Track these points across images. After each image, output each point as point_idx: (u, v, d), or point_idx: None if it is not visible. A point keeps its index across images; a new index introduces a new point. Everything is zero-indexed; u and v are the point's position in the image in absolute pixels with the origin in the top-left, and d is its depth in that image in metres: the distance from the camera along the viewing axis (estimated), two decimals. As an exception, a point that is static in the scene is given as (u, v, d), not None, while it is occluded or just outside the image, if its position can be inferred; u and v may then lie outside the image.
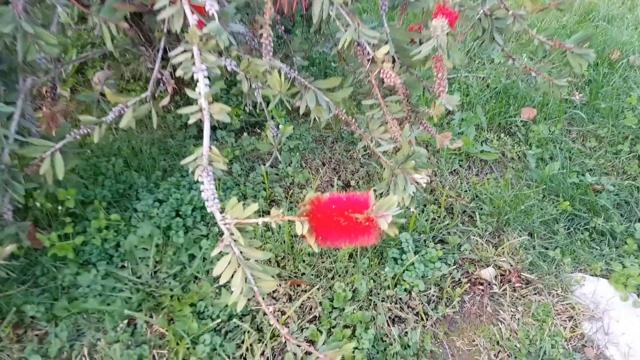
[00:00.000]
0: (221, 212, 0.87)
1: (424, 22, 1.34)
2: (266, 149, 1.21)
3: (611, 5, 2.62)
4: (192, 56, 0.89)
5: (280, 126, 1.66)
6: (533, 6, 1.02)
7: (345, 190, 1.51)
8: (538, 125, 1.70)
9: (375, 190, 1.35)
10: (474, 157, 1.64)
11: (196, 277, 1.22)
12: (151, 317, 1.15)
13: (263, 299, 0.92)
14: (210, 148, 0.91)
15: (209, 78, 0.90)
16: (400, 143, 1.16)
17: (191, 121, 0.90)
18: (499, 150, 1.67)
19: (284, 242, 1.30)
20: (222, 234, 0.84)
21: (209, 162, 0.91)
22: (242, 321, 1.13)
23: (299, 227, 0.80)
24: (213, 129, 1.67)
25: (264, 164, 1.55)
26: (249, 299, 0.97)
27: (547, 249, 1.37)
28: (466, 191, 1.51)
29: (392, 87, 1.22)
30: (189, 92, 0.90)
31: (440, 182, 1.53)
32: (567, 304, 1.24)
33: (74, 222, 1.28)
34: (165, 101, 1.13)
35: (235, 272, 0.86)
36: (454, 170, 1.59)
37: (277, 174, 1.53)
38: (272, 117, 1.72)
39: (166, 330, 1.10)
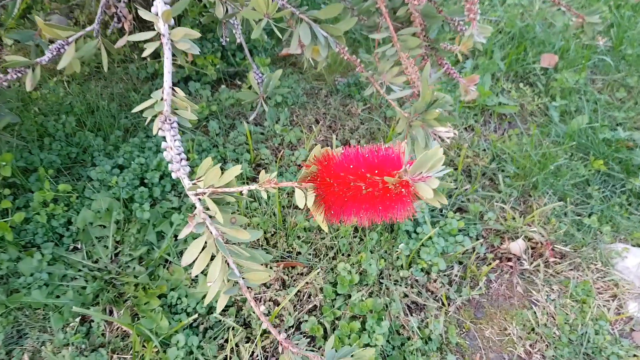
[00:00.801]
0: (191, 179, 0.64)
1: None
2: (249, 99, 0.96)
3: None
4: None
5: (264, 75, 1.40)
6: None
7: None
8: (561, 74, 1.48)
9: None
10: (491, 111, 1.41)
11: (166, 261, 0.99)
12: (111, 312, 0.92)
13: (250, 290, 0.69)
14: (173, 90, 0.67)
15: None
16: (418, 88, 0.92)
17: (147, 52, 0.65)
18: (518, 102, 1.45)
19: (274, 214, 1.07)
20: (195, 207, 0.62)
21: (172, 109, 0.67)
22: (225, 315, 0.91)
23: (301, 197, 0.57)
24: (185, 80, 1.41)
25: (247, 121, 1.30)
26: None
27: (581, 215, 1.17)
28: (484, 150, 1.29)
29: (405, 17, 0.97)
30: (142, 13, 0.64)
31: (455, 140, 1.31)
32: (609, 281, 1.05)
33: (14, 195, 1.03)
34: (121, 42, 0.87)
35: (212, 260, 0.63)
36: (469, 127, 1.36)
37: (262, 133, 1.28)
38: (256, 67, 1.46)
39: (130, 329, 0.88)
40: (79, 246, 1.01)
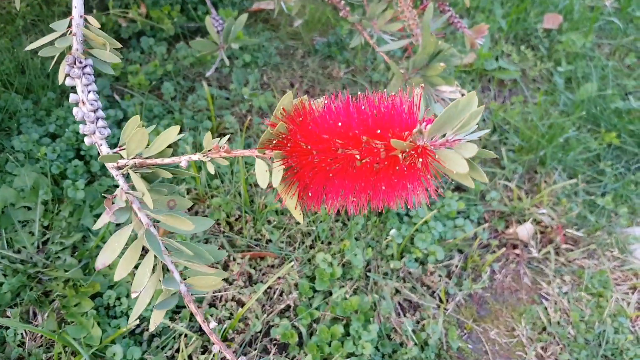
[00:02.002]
0: (114, 148, 0.46)
1: None
2: (207, 50, 0.77)
3: None
4: None
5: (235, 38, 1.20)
6: None
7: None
8: (566, 35, 1.32)
9: None
10: (490, 77, 1.25)
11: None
12: (34, 315, 0.74)
13: (194, 299, 0.52)
14: (84, 18, 0.48)
15: None
16: (417, 37, 0.74)
17: None
18: (519, 67, 1.29)
19: (240, 194, 0.89)
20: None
21: (83, 47, 0.48)
22: (175, 320, 0.73)
23: (262, 171, 0.40)
24: (138, 35, 1.19)
25: (206, 79, 1.10)
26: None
27: (594, 194, 1.02)
28: (484, 120, 1.13)
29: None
30: None
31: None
32: (627, 270, 0.91)
33: None
34: None
35: (140, 262, 0.46)
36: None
37: (228, 98, 1.09)
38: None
39: (54, 339, 0.69)
40: (0, 233, 0.81)
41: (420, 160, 0.33)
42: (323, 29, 1.31)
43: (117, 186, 0.88)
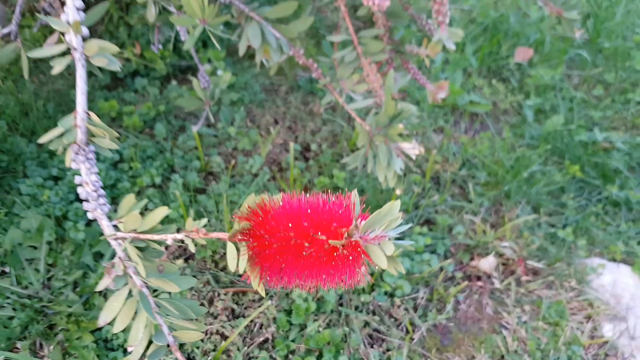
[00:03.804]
0: (113, 218, 0.54)
1: None
2: (192, 107, 0.85)
3: None
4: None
5: (218, 72, 1.28)
6: None
7: (305, 157, 1.17)
8: (536, 69, 1.40)
9: (346, 165, 1.00)
10: (462, 110, 1.33)
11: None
12: (41, 347, 0.81)
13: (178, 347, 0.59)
14: (88, 115, 0.55)
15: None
16: (381, 97, 0.82)
17: (56, 70, 0.53)
18: (491, 100, 1.37)
19: (223, 231, 0.96)
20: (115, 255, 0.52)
21: (87, 138, 0.56)
22: (170, 350, 0.81)
23: (232, 256, 0.47)
24: (133, 75, 1.27)
25: (198, 121, 1.17)
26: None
27: (555, 226, 1.10)
28: (454, 154, 1.21)
29: (367, 17, 0.86)
30: (50, 20, 0.53)
31: (424, 143, 1.22)
32: (583, 300, 0.99)
33: None
34: (52, 39, 0.75)
35: (134, 318, 0.53)
36: (439, 128, 1.27)
37: (215, 136, 1.17)
38: (209, 60, 1.33)
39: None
40: (7, 270, 0.89)
41: (351, 252, 0.41)
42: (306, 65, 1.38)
43: (114, 226, 0.96)
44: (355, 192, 0.44)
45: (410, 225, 0.43)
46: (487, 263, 1.00)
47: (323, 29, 0.90)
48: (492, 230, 1.06)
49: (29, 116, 1.09)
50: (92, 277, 0.88)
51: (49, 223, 0.90)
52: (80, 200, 0.97)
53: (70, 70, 1.23)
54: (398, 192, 0.81)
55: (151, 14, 0.67)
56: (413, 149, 0.78)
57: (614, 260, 1.06)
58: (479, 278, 1.00)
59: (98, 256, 0.91)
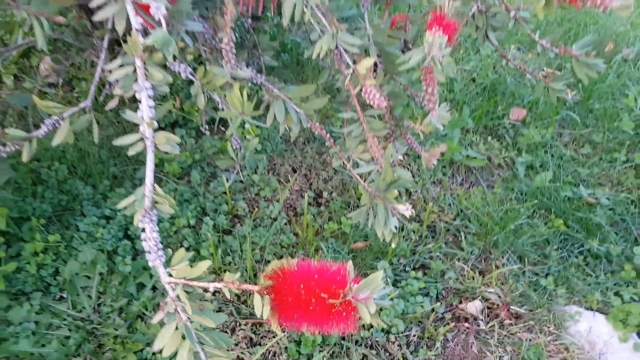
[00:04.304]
0: (166, 265, 0.69)
1: (411, 18, 1.15)
2: (227, 165, 1.02)
3: (603, -12, 2.45)
4: (134, 70, 0.70)
5: (246, 131, 1.45)
6: (548, 11, 0.83)
7: (317, 202, 1.33)
8: (528, 129, 1.55)
9: (351, 223, 1.16)
10: (459, 164, 1.48)
11: (144, 314, 1.04)
12: (88, 364, 0.97)
13: None
14: (154, 187, 0.71)
15: (154, 99, 0.71)
16: (381, 165, 0.98)
17: (131, 153, 0.70)
18: (486, 155, 1.52)
19: (246, 270, 1.12)
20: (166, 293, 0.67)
21: (152, 204, 0.72)
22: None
23: (259, 305, 0.63)
24: (173, 125, 1.45)
25: (229, 174, 1.35)
26: None
27: (538, 275, 1.24)
28: (450, 205, 1.35)
29: (374, 95, 1.03)
30: (129, 115, 0.70)
31: (422, 194, 1.37)
32: (560, 344, 1.11)
33: (7, 244, 1.07)
34: (112, 104, 0.92)
35: (179, 347, 0.69)
36: (437, 180, 1.42)
37: (241, 181, 1.33)
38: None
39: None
40: (65, 296, 1.05)
41: (344, 313, 0.56)
42: (321, 119, 1.56)
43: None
44: (350, 262, 0.59)
45: (389, 289, 0.58)
46: (474, 306, 1.14)
47: (335, 103, 1.06)
48: (480, 277, 1.19)
49: (85, 161, 1.27)
50: (135, 305, 1.03)
51: (101, 257, 1.07)
52: (128, 237, 1.14)
53: (118, 117, 1.41)
54: (393, 245, 0.96)
55: (201, 102, 0.85)
56: (407, 210, 0.93)
57: (590, 309, 1.18)
58: (466, 320, 1.14)
59: (140, 286, 1.07)
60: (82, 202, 1.18)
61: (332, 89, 1.57)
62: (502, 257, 1.25)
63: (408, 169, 1.46)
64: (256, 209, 1.26)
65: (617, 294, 1.20)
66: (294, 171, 1.40)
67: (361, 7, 1.00)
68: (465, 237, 1.27)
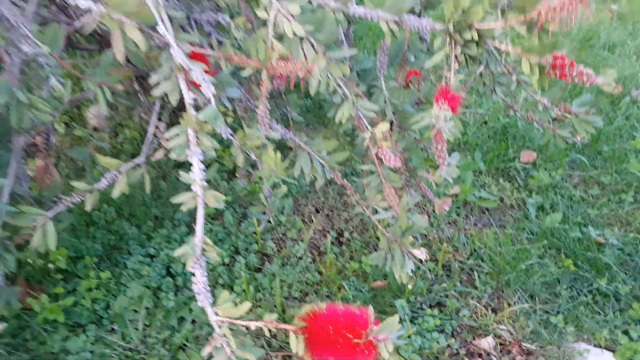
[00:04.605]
0: (213, 304, 0.80)
1: (423, 75, 1.27)
2: (259, 211, 1.14)
3: (612, 30, 2.56)
4: (187, 138, 0.83)
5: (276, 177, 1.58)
6: (541, 82, 0.94)
7: (339, 242, 1.44)
8: (538, 171, 1.64)
9: (371, 263, 1.26)
10: (472, 205, 1.57)
11: (186, 345, 1.14)
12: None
13: None
14: (203, 238, 0.83)
15: (204, 162, 0.83)
16: (397, 212, 1.08)
17: (184, 208, 0.82)
18: (498, 196, 1.61)
19: (276, 306, 1.22)
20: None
21: (201, 253, 0.83)
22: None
23: (294, 342, 0.73)
24: (207, 167, 1.58)
25: (262, 215, 1.46)
26: None
27: (549, 313, 1.31)
28: (464, 245, 1.44)
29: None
30: (183, 176, 0.83)
31: (437, 234, 1.46)
32: (569, 379, 1.18)
33: (65, 280, 1.20)
34: (159, 155, 1.06)
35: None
36: (452, 221, 1.52)
37: (269, 221, 1.44)
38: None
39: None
40: (115, 328, 1.17)
41: (367, 347, 0.66)
42: (342, 162, 1.67)
43: (193, 297, 1.23)
44: (371, 307, 0.70)
45: (402, 331, 0.68)
46: (487, 343, 1.21)
47: (356, 155, 1.18)
48: (493, 314, 1.27)
49: (130, 203, 1.40)
50: (177, 337, 1.14)
51: (147, 293, 1.19)
52: (170, 275, 1.26)
53: (157, 162, 1.55)
54: (410, 286, 1.05)
55: (240, 160, 0.97)
56: (421, 254, 1.03)
57: (599, 346, 1.24)
58: (480, 355, 1.21)
59: (181, 320, 1.18)
60: (128, 242, 1.31)
61: (354, 134, 1.69)
62: (514, 296, 1.32)
63: (424, 209, 1.56)
64: (283, 249, 1.37)
65: (625, 332, 1.26)
66: (317, 212, 1.51)
67: (378, 70, 1.13)
68: (478, 276, 1.36)
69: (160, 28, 0.78)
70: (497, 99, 1.88)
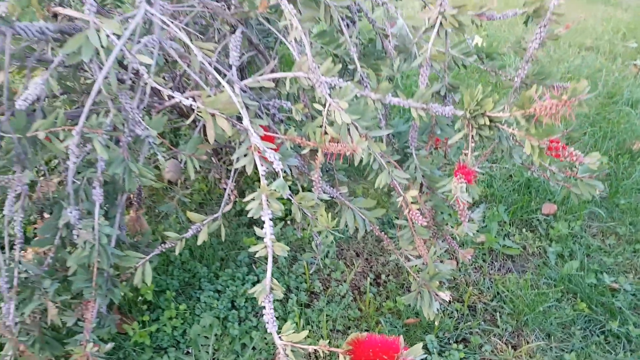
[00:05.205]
0: (278, 332, 1.04)
1: (447, 145, 1.50)
2: (309, 256, 1.38)
3: (635, 87, 2.72)
4: (261, 202, 1.09)
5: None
6: (541, 158, 1.16)
7: (377, 283, 1.66)
8: (558, 222, 1.82)
9: (404, 302, 1.48)
10: (497, 252, 1.76)
11: (245, 369, 1.39)
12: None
13: None
14: (272, 281, 1.08)
15: (272, 220, 1.09)
16: (426, 261, 1.31)
17: (259, 254, 1.08)
18: (521, 244, 1.79)
19: (322, 337, 1.45)
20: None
21: (270, 290, 1.08)
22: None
23: (341, 360, 0.96)
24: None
25: (311, 259, 1.71)
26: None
27: (563, 351, 1.47)
28: (488, 288, 1.63)
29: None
30: (257, 231, 1.09)
31: (465, 278, 1.66)
32: (581, 411, 1.34)
33: (149, 310, 1.48)
34: (228, 207, 1.33)
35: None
36: (478, 266, 1.72)
37: (315, 263, 1.69)
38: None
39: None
40: (190, 351, 1.42)
41: (398, 369, 0.89)
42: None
43: (254, 327, 1.48)
44: (401, 337, 0.92)
45: (424, 355, 0.89)
46: (506, 375, 1.39)
47: (391, 212, 1.42)
48: (512, 350, 1.45)
49: (201, 247, 1.68)
50: (240, 360, 1.39)
51: (216, 322, 1.45)
52: (235, 307, 1.51)
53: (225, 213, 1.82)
54: (436, 323, 1.26)
55: (298, 216, 1.23)
56: (446, 297, 1.24)
57: (609, 382, 1.40)
58: (500, 386, 1.39)
59: (243, 346, 1.42)
60: (200, 279, 1.58)
61: (390, 192, 1.93)
62: (532, 334, 1.50)
63: (454, 255, 1.76)
64: (329, 288, 1.61)
65: (633, 370, 1.41)
66: (358, 256, 1.75)
67: (410, 144, 1.38)
68: (500, 316, 1.54)
69: (245, 121, 1.07)
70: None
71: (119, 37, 1.01)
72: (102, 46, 0.98)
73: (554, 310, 1.55)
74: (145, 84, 1.10)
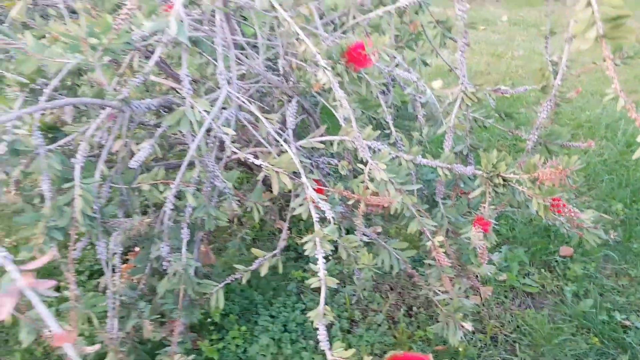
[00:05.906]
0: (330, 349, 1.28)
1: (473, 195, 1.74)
2: (350, 290, 1.63)
3: (653, 136, 2.90)
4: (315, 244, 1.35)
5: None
6: (546, 214, 1.39)
7: (409, 314, 1.89)
8: (574, 264, 2.01)
9: (433, 331, 1.70)
10: (518, 289, 1.97)
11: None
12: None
13: None
14: (324, 307, 1.34)
15: (325, 258, 1.35)
16: (452, 296, 1.54)
17: (313, 285, 1.33)
18: (540, 283, 1.99)
19: (362, 358, 1.68)
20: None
21: (323, 315, 1.33)
22: None
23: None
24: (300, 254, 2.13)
25: (351, 292, 1.96)
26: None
27: (577, 380, 1.65)
28: (509, 322, 1.83)
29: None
30: (312, 267, 1.35)
31: (488, 312, 1.87)
32: None
33: (216, 330, 1.75)
34: (282, 244, 1.61)
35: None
36: (500, 302, 1.92)
37: (354, 295, 1.93)
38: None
39: None
40: (248, 367, 1.68)
41: (427, 380, 1.12)
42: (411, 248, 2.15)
43: (303, 347, 1.73)
44: (430, 355, 1.16)
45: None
46: (523, 399, 1.58)
47: (421, 251, 1.66)
48: (529, 378, 1.64)
49: (256, 277, 1.95)
50: (289, 376, 1.63)
51: (272, 342, 1.70)
52: (287, 330, 1.77)
53: (272, 243, 2.10)
54: (460, 349, 1.48)
55: (344, 255, 1.49)
56: (468, 326, 1.47)
57: (618, 409, 1.57)
58: (518, 409, 1.58)
59: (293, 365, 1.67)
60: (256, 305, 1.85)
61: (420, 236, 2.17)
62: (548, 364, 1.69)
63: (477, 291, 1.97)
64: (367, 317, 1.85)
65: (640, 400, 1.58)
66: (392, 290, 1.98)
67: (437, 196, 1.63)
68: (519, 347, 1.74)
69: (303, 178, 1.34)
70: (540, 202, 2.30)
71: (207, 112, 1.33)
72: (196, 120, 1.29)
73: (569, 343, 1.74)
74: (225, 146, 1.39)
